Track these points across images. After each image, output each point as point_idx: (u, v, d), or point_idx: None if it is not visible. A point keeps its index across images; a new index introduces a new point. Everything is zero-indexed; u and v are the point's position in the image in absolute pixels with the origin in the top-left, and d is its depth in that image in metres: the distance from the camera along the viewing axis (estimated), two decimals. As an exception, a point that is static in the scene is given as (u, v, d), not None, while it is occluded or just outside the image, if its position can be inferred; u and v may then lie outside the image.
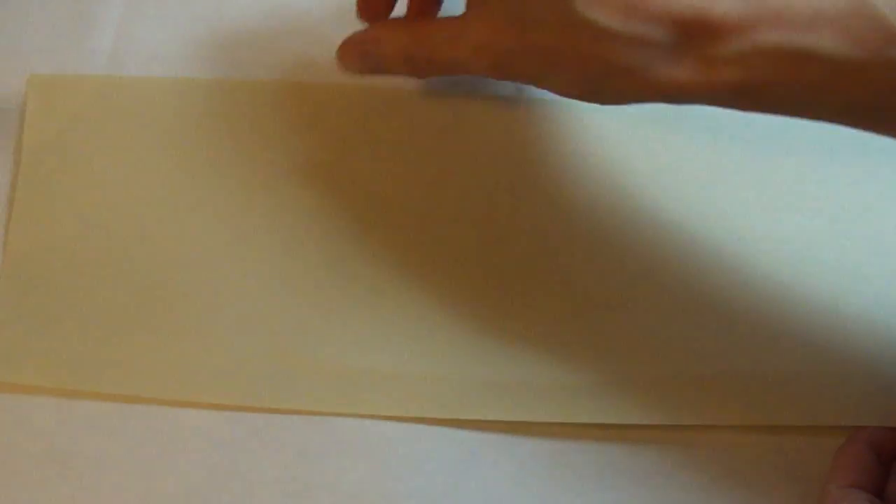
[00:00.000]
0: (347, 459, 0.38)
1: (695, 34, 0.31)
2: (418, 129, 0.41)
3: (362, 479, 0.37)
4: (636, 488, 0.37)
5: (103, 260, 0.39)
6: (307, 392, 0.38)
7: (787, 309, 0.39)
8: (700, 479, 0.38)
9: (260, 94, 0.42)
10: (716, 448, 0.38)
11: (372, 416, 0.38)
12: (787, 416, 0.38)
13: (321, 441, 0.38)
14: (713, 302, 0.39)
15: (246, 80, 0.42)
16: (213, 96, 0.42)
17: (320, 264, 0.40)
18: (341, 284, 0.39)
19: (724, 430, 0.38)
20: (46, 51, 0.42)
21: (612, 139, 0.41)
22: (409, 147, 0.41)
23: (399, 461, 0.38)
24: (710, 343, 0.39)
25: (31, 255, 0.39)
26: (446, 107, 0.42)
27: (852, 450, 0.36)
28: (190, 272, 0.39)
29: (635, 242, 0.40)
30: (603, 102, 0.35)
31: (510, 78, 0.36)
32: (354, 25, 0.40)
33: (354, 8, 0.40)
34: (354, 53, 0.39)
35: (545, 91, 0.36)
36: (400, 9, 0.40)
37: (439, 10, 0.40)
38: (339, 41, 0.40)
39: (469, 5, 0.36)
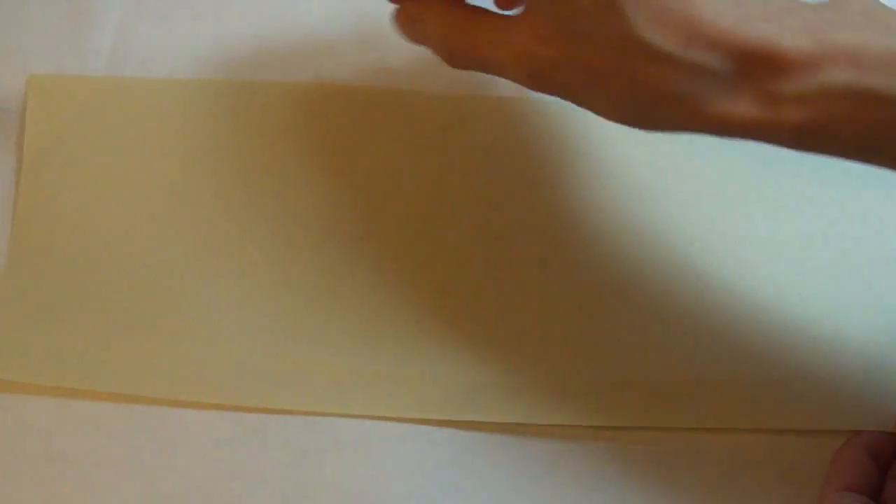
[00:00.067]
0: (347, 459, 0.38)
1: (757, 67, 0.29)
2: (418, 128, 0.41)
3: (362, 479, 0.37)
4: (635, 490, 0.37)
5: (104, 260, 0.39)
6: (307, 392, 0.38)
7: (787, 313, 0.39)
8: (698, 482, 0.38)
9: (260, 95, 0.42)
10: (715, 451, 0.38)
11: (372, 417, 0.38)
12: (786, 420, 0.38)
13: (321, 441, 0.38)
14: (713, 305, 0.39)
15: (246, 81, 0.42)
16: (213, 97, 0.41)
17: (321, 264, 0.40)
18: (341, 285, 0.39)
19: (722, 433, 0.38)
20: (46, 51, 0.42)
21: (612, 139, 0.41)
22: (409, 147, 0.41)
23: (399, 461, 0.38)
24: (709, 347, 0.39)
25: (32, 255, 0.39)
26: (446, 106, 0.42)
27: (850, 453, 0.36)
28: (190, 272, 0.39)
29: (635, 244, 0.40)
30: (646, 128, 0.32)
31: (548, 90, 0.34)
32: (354, 25, 0.40)
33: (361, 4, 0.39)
34: (405, 20, 0.37)
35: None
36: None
37: None
38: (339, 41, 0.40)
39: (523, 6, 0.34)
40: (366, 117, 0.41)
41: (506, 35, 0.33)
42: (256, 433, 0.38)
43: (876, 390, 0.38)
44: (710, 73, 0.29)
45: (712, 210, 0.40)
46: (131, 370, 0.38)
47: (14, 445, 0.37)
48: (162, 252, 0.40)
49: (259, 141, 0.41)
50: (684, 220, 0.40)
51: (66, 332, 0.38)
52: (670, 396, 0.38)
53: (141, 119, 0.41)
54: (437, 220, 0.40)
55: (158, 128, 0.41)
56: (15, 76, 0.41)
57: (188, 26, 0.43)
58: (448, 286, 0.39)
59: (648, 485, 0.38)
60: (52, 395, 0.38)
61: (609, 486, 0.37)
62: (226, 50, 0.42)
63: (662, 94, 0.30)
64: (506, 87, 0.42)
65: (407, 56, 0.41)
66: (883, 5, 0.31)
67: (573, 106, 0.40)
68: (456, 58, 0.36)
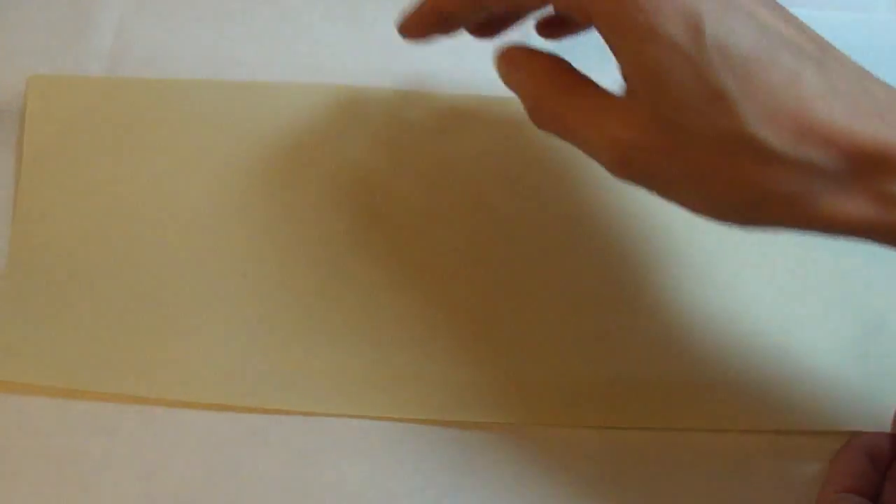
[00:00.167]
0: (347, 459, 0.38)
1: (871, 166, 0.28)
2: (418, 128, 0.41)
3: (362, 479, 0.37)
4: (635, 490, 0.38)
5: (104, 260, 0.39)
6: (307, 392, 0.38)
7: (786, 314, 0.39)
8: (699, 482, 0.38)
9: (259, 95, 0.42)
10: (714, 451, 0.38)
11: (372, 417, 0.38)
12: (786, 421, 0.38)
13: (321, 441, 0.38)
14: (713, 306, 0.39)
15: (245, 82, 0.42)
16: (213, 97, 0.41)
17: (320, 264, 0.40)
18: (341, 285, 0.39)
19: (722, 434, 0.38)
20: (46, 51, 0.42)
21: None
22: (408, 147, 0.41)
23: (399, 461, 0.38)
24: (709, 347, 0.39)
25: (32, 255, 0.39)
26: (446, 106, 0.42)
27: (848, 455, 0.36)
28: (190, 272, 0.39)
29: (635, 244, 0.40)
30: (744, 226, 0.31)
31: (637, 181, 0.31)
32: (353, 25, 0.40)
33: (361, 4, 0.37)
34: (508, 64, 0.35)
35: None
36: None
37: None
38: (338, 42, 0.39)
39: (625, 85, 0.32)
40: (366, 117, 0.41)
41: (601, 116, 0.31)
42: (256, 433, 0.38)
43: (875, 391, 0.38)
44: (821, 172, 0.28)
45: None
46: (131, 370, 0.38)
47: (14, 445, 0.37)
48: (162, 252, 0.40)
49: (258, 141, 0.41)
50: (684, 220, 0.40)
51: (65, 333, 0.38)
52: (670, 397, 0.38)
53: (141, 119, 0.41)
54: (437, 220, 0.40)
55: (158, 128, 0.41)
56: (15, 76, 0.41)
57: (188, 26, 0.43)
58: (448, 286, 0.39)
59: (649, 485, 0.38)
60: (52, 395, 0.38)
61: (609, 486, 0.38)
62: (225, 50, 0.42)
63: (770, 194, 0.29)
64: (506, 88, 0.42)
65: (407, 57, 0.41)
66: None
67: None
68: (541, 117, 0.34)
